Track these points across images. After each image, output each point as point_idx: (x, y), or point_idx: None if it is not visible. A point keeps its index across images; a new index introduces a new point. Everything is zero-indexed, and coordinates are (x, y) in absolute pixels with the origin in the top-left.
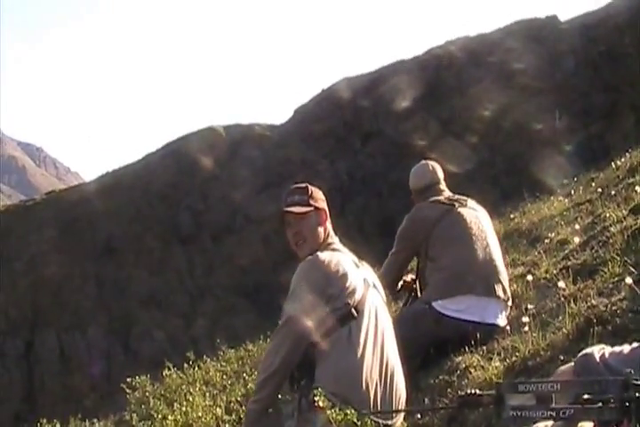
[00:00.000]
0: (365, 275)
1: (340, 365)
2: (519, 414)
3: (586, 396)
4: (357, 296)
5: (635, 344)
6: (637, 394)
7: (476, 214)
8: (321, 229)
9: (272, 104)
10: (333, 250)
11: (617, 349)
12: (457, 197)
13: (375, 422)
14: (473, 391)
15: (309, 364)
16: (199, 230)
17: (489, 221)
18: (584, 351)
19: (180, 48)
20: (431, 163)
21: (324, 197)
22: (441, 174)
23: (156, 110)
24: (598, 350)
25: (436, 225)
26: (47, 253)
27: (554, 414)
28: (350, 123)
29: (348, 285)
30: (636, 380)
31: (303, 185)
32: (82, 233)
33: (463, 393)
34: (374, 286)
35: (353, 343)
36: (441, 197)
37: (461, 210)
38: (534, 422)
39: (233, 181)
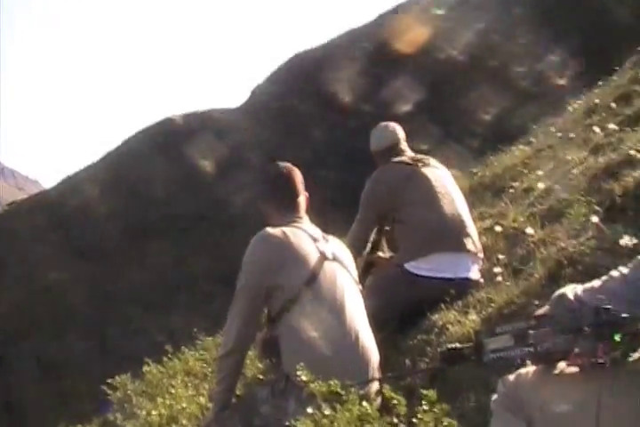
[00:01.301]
0: (327, 248)
1: (301, 347)
2: (499, 355)
3: (561, 329)
4: (307, 269)
5: (604, 277)
6: (608, 319)
7: (439, 173)
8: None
9: (228, 88)
10: (288, 224)
11: (588, 285)
12: (419, 156)
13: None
14: (452, 346)
15: (274, 346)
16: (168, 223)
17: (451, 178)
18: (557, 292)
19: (129, 41)
20: (391, 124)
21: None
22: (402, 134)
23: (109, 108)
24: (571, 290)
25: (402, 188)
26: (13, 264)
27: (532, 349)
28: (307, 99)
29: (294, 256)
30: (606, 305)
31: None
32: (47, 241)
33: (444, 350)
34: (335, 258)
35: (306, 317)
36: (404, 158)
37: (425, 170)
38: (515, 365)
39: (196, 170)
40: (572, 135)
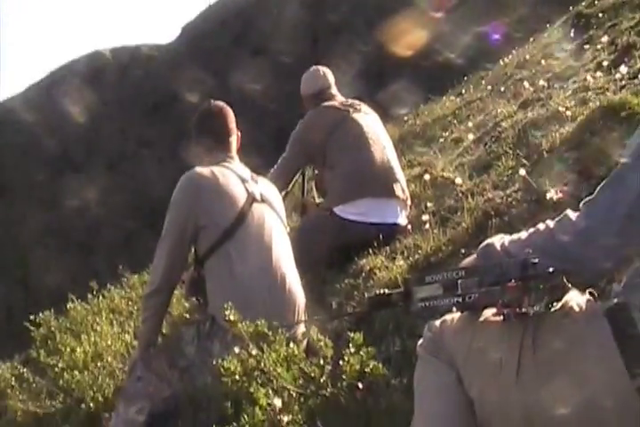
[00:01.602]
0: (256, 189)
1: (227, 289)
2: (427, 304)
3: (489, 280)
4: (235, 210)
5: (531, 230)
6: (534, 272)
7: (370, 118)
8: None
9: (158, 24)
10: (217, 164)
11: (515, 236)
12: (350, 101)
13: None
14: (382, 291)
15: (201, 287)
16: (91, 159)
17: (381, 125)
18: (485, 242)
19: None
20: (321, 68)
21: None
22: (332, 79)
23: (36, 38)
24: (498, 240)
25: (333, 132)
26: None
27: (460, 300)
28: (239, 38)
29: (222, 197)
30: (534, 259)
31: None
32: None
33: (372, 294)
34: (264, 200)
35: (234, 263)
36: (335, 103)
37: (356, 115)
38: (442, 314)
39: (123, 106)
40: (502, 89)
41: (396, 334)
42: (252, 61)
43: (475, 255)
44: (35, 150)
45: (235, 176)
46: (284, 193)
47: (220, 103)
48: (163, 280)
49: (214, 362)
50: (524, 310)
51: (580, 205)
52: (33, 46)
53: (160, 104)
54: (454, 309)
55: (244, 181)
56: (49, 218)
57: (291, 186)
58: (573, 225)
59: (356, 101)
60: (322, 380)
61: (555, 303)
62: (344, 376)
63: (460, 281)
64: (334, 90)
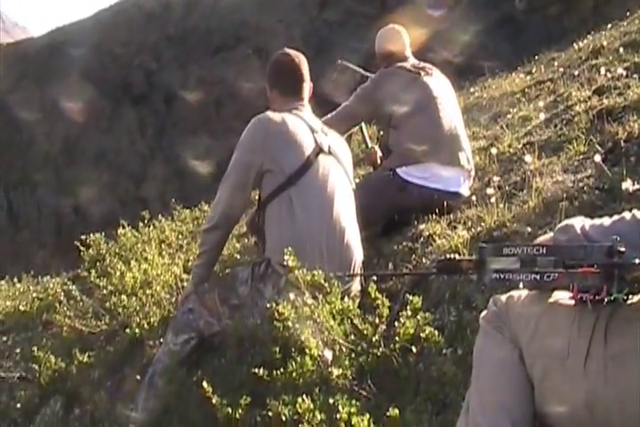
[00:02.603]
0: (325, 141)
1: (285, 234)
2: (502, 276)
3: (570, 262)
4: (301, 158)
5: (615, 217)
6: (621, 261)
7: (441, 84)
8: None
9: None
10: (289, 112)
11: (597, 221)
12: (422, 64)
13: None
14: (452, 256)
15: (260, 230)
16: (151, 91)
17: (452, 92)
18: (564, 222)
19: None
20: (398, 27)
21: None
22: (407, 40)
23: None
24: (579, 222)
25: (401, 93)
26: None
27: (537, 277)
28: None
29: (290, 144)
30: (621, 246)
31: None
32: (30, 90)
33: (442, 258)
34: (331, 153)
35: (294, 209)
36: (406, 64)
37: (427, 79)
38: (510, 288)
39: (187, 42)
40: (575, 73)
41: (452, 303)
42: (319, 14)
43: (551, 234)
44: (95, 78)
45: (305, 125)
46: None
47: (295, 52)
48: (222, 217)
49: (266, 305)
50: (601, 297)
51: None
52: None
53: (224, 46)
54: (527, 285)
55: (313, 131)
56: (104, 143)
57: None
58: None
59: (429, 65)
60: (374, 339)
61: (632, 296)
62: (397, 338)
63: (539, 258)
64: (408, 51)
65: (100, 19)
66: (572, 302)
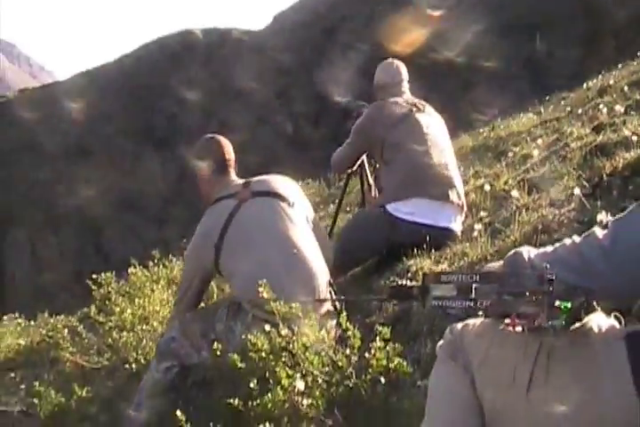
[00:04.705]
0: (255, 187)
1: (244, 273)
2: (440, 303)
3: (503, 289)
4: (220, 223)
5: (557, 244)
6: (550, 288)
7: (432, 120)
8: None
9: (249, 10)
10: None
11: (542, 250)
12: (416, 100)
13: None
14: (402, 283)
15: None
16: (173, 134)
17: (444, 128)
18: (514, 250)
19: None
20: (396, 62)
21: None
22: (405, 75)
23: (131, 11)
24: (527, 251)
25: (392, 128)
26: (19, 150)
27: (472, 304)
28: (329, 33)
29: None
30: (551, 275)
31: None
32: (54, 132)
33: (393, 284)
34: (259, 195)
35: (239, 257)
36: (400, 99)
37: (418, 115)
38: (454, 314)
39: (209, 86)
40: (579, 111)
41: (429, 335)
42: (341, 58)
43: (500, 263)
44: (119, 118)
45: (225, 206)
46: (346, 175)
47: (218, 136)
48: (189, 294)
49: (238, 341)
50: (538, 323)
51: (610, 222)
52: (126, 20)
53: (246, 89)
54: (462, 312)
55: (233, 195)
56: (127, 186)
57: (354, 176)
58: (599, 242)
59: (422, 101)
60: (349, 370)
61: (573, 323)
62: (370, 370)
63: (475, 285)
64: (404, 86)
65: (123, 63)
66: (519, 328)
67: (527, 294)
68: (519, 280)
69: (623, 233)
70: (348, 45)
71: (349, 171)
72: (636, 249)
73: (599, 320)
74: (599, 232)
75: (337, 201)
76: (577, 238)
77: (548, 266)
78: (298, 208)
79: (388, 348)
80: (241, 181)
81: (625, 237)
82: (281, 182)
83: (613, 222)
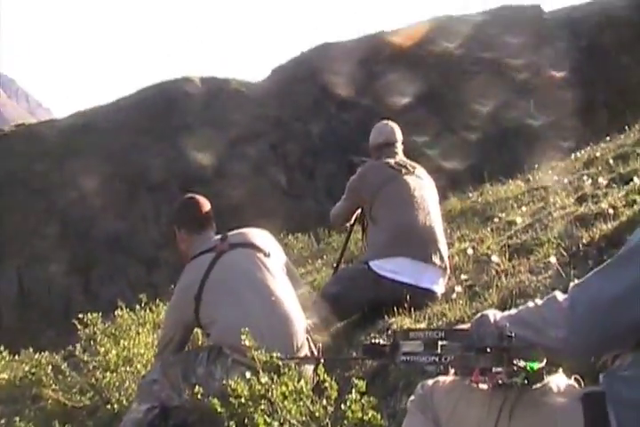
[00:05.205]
0: (232, 240)
1: (224, 319)
2: (409, 359)
3: (467, 345)
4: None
5: (521, 307)
6: (509, 344)
7: (421, 183)
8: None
9: (248, 62)
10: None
11: (507, 312)
12: (407, 162)
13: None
14: (375, 341)
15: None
16: (168, 179)
17: (433, 191)
18: (481, 313)
19: None
20: (391, 123)
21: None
22: (398, 136)
23: (132, 56)
24: (493, 313)
25: (380, 189)
26: (10, 185)
27: (437, 359)
28: (327, 88)
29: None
30: (510, 333)
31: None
32: (49, 169)
33: (366, 342)
34: (238, 245)
35: (220, 314)
36: (391, 161)
37: (407, 177)
38: (424, 370)
39: (206, 134)
40: (566, 181)
41: (405, 391)
42: (337, 113)
43: (469, 323)
44: (114, 162)
45: (203, 261)
46: (349, 226)
47: (197, 196)
48: (170, 347)
49: (218, 385)
50: (500, 380)
51: (570, 287)
52: (124, 64)
53: (243, 139)
54: (432, 368)
55: (212, 248)
56: (119, 227)
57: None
58: (559, 305)
59: (413, 163)
60: (325, 421)
61: (537, 382)
62: (345, 421)
63: (440, 342)
64: (398, 147)
65: (120, 106)
66: (484, 384)
67: (488, 350)
68: (481, 337)
69: (581, 297)
70: (345, 100)
71: (348, 224)
72: (593, 312)
73: (559, 381)
74: (560, 296)
75: (339, 252)
76: (539, 301)
77: (508, 324)
78: (274, 258)
79: (363, 400)
80: (218, 237)
81: (582, 301)
82: (257, 234)
83: (573, 288)
